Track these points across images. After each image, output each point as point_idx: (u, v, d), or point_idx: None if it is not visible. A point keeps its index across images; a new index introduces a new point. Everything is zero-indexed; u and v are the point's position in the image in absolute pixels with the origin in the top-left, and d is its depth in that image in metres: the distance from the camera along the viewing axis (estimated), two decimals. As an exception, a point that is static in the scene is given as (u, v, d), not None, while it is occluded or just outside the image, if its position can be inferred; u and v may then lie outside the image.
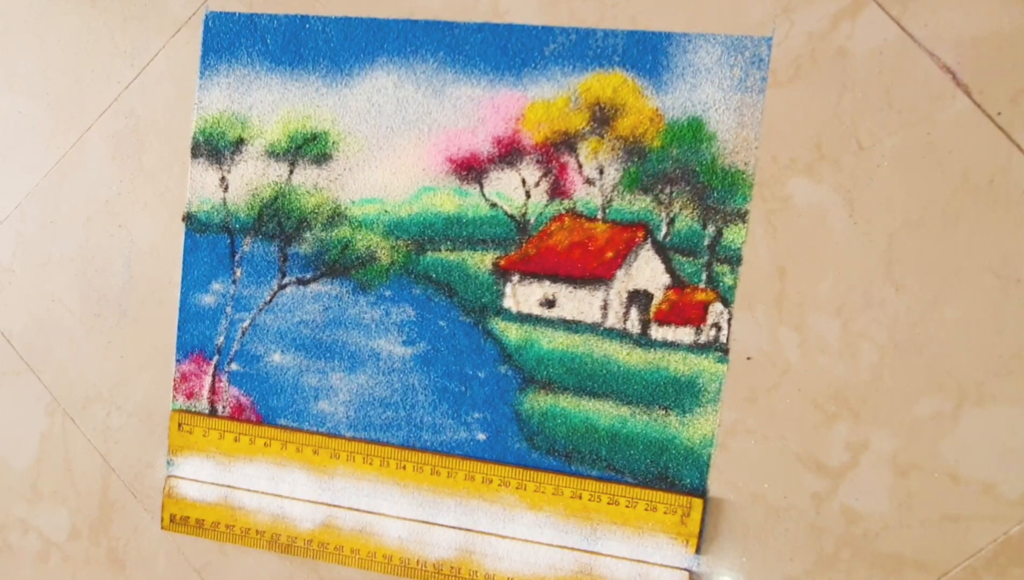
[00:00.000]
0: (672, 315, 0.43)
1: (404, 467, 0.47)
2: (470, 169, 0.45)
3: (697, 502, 0.43)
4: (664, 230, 0.43)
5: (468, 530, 0.46)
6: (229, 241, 0.49)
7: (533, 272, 0.45)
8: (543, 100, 0.44)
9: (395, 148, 0.46)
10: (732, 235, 0.42)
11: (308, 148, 0.47)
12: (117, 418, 0.52)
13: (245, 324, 0.49)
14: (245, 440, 0.49)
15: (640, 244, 0.43)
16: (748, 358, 0.42)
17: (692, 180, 0.42)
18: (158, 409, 0.51)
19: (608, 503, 0.44)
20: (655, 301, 0.43)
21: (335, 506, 0.48)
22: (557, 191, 0.44)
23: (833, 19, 0.40)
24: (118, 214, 0.51)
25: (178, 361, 0.50)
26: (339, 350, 0.47)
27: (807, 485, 0.42)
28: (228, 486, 0.50)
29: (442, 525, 0.47)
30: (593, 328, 0.44)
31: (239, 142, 0.48)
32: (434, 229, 0.46)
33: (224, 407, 0.49)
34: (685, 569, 0.44)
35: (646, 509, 0.44)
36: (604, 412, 0.44)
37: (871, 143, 0.40)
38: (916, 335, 0.40)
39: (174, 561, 0.52)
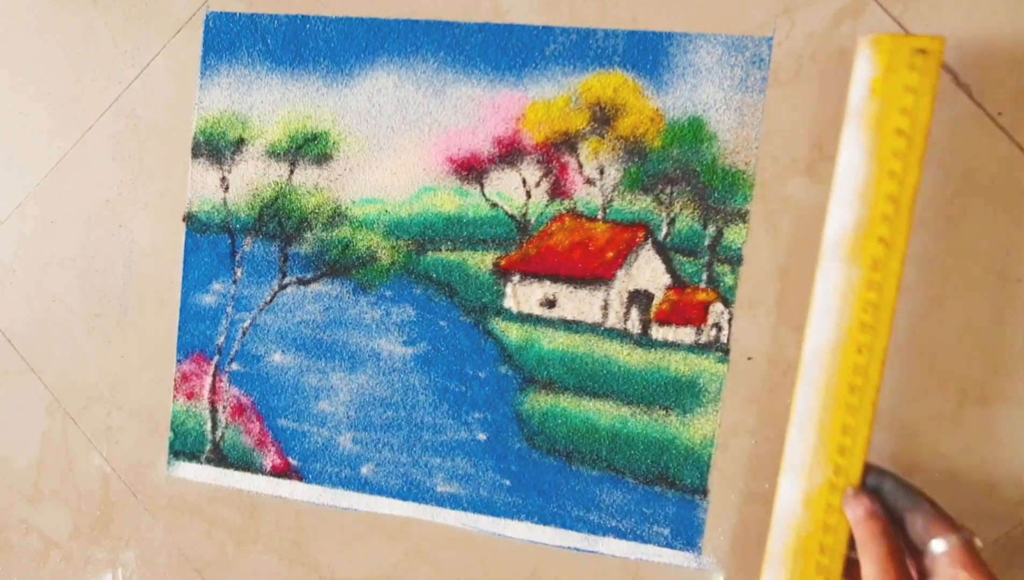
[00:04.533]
0: (673, 315, 0.43)
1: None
2: (471, 169, 0.45)
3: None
4: (665, 230, 0.43)
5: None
6: (230, 241, 0.49)
7: (534, 272, 0.45)
8: (543, 100, 0.44)
9: (395, 148, 0.46)
10: (733, 235, 0.42)
11: (309, 148, 0.47)
12: (118, 418, 0.52)
13: (246, 324, 0.49)
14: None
15: (641, 244, 0.43)
16: (749, 358, 0.42)
17: (693, 180, 0.42)
18: (159, 409, 0.51)
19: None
20: (656, 301, 0.43)
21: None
22: (558, 191, 0.44)
23: (834, 19, 0.40)
24: (119, 214, 0.51)
25: (179, 361, 0.50)
26: (339, 350, 0.47)
27: (808, 485, 0.42)
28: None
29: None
30: (594, 328, 0.44)
31: (240, 142, 0.48)
32: (434, 229, 0.46)
33: (225, 407, 0.49)
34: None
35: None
36: (605, 412, 0.44)
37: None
38: (917, 335, 0.40)
39: (174, 561, 0.52)
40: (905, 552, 0.34)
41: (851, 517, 0.36)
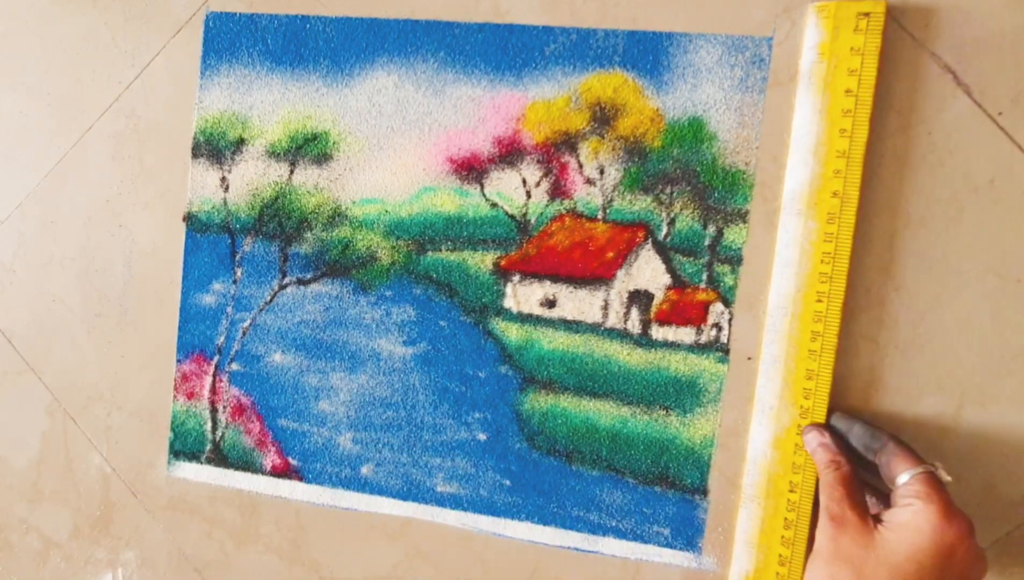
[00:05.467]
0: (673, 315, 0.43)
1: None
2: (471, 169, 0.45)
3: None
4: (665, 230, 0.43)
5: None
6: (230, 241, 0.49)
7: (534, 272, 0.45)
8: (543, 100, 0.44)
9: (396, 148, 0.46)
10: (733, 235, 0.42)
11: (309, 148, 0.47)
12: (118, 418, 0.52)
13: (246, 324, 0.49)
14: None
15: (641, 244, 0.43)
16: (749, 358, 0.42)
17: (693, 180, 0.42)
18: (159, 409, 0.51)
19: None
20: (656, 301, 0.43)
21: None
22: (558, 191, 0.44)
23: (834, 19, 0.40)
24: (119, 214, 0.51)
25: (179, 361, 0.50)
26: (339, 350, 0.47)
27: (808, 485, 0.42)
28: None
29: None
30: (594, 328, 0.44)
31: (240, 142, 0.48)
32: (435, 229, 0.46)
33: (225, 407, 0.49)
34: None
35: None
36: (605, 412, 0.44)
37: (872, 143, 0.40)
38: (917, 335, 0.40)
39: (174, 561, 0.52)
40: (860, 481, 0.37)
41: (808, 450, 0.39)
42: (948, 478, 0.35)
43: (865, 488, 0.38)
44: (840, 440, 0.39)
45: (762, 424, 0.40)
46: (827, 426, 0.39)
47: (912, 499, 0.34)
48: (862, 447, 0.38)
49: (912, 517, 0.33)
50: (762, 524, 0.41)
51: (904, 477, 0.35)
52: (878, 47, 0.38)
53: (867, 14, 0.37)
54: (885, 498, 0.37)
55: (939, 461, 0.36)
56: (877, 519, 0.35)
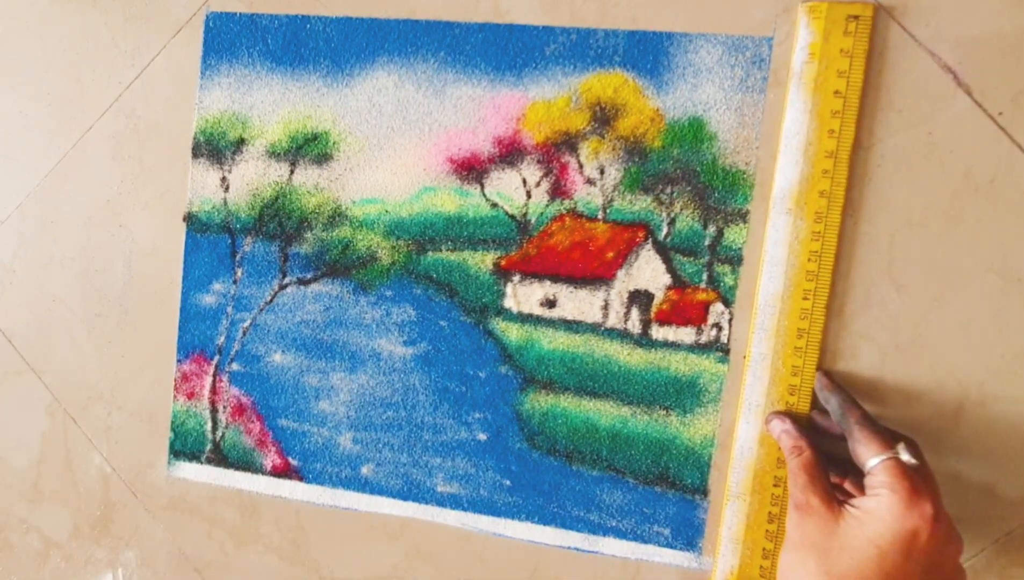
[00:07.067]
0: (673, 315, 0.43)
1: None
2: (471, 169, 0.45)
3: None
4: (665, 230, 0.43)
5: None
6: (230, 241, 0.49)
7: (534, 272, 0.45)
8: (544, 100, 0.44)
9: (396, 148, 0.46)
10: (733, 235, 0.42)
11: (309, 148, 0.47)
12: (118, 418, 0.52)
13: (246, 324, 0.49)
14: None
15: (641, 244, 0.43)
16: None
17: (693, 180, 0.42)
18: (159, 409, 0.51)
19: (609, 503, 0.44)
20: (656, 301, 0.43)
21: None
22: (558, 191, 0.44)
23: (834, 19, 0.40)
24: (119, 214, 0.51)
25: (179, 361, 0.50)
26: (340, 350, 0.47)
27: (808, 485, 0.42)
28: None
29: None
30: (594, 328, 0.44)
31: (240, 142, 0.48)
32: (435, 229, 0.46)
33: (225, 407, 0.49)
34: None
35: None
36: (605, 412, 0.44)
37: (872, 143, 0.40)
38: (917, 335, 0.40)
39: (174, 561, 0.52)
40: (824, 465, 0.37)
41: (773, 437, 0.40)
42: (914, 461, 0.34)
43: (846, 466, 0.38)
44: (802, 425, 0.39)
45: (748, 422, 0.41)
46: (793, 414, 0.40)
47: (879, 489, 0.34)
48: (836, 423, 0.38)
49: (876, 505, 0.33)
50: (747, 520, 0.41)
51: (870, 465, 0.35)
52: (866, 50, 0.38)
53: (856, 17, 0.38)
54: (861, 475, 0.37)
55: (903, 442, 0.35)
56: (848, 504, 0.35)
